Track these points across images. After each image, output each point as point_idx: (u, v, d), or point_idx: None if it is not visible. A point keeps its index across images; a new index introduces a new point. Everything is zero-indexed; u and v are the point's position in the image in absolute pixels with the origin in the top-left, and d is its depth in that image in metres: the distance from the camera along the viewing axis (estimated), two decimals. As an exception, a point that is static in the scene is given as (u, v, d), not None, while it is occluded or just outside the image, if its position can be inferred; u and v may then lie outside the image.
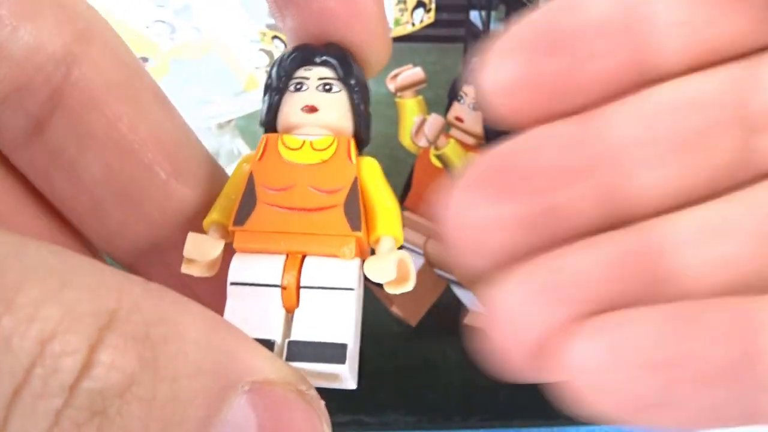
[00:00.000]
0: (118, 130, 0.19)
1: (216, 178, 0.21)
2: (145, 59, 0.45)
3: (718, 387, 0.18)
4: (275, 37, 0.48)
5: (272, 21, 0.48)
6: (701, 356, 0.18)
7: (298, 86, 0.20)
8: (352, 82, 0.20)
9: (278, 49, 0.48)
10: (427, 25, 0.57)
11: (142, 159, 0.20)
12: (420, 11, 0.55)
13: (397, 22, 0.55)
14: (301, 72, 0.20)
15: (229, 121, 0.53)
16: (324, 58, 0.20)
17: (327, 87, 0.20)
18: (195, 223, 0.20)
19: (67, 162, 0.19)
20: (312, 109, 0.20)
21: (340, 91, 0.20)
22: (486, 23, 0.65)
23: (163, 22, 0.47)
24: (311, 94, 0.20)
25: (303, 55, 0.20)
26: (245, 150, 0.54)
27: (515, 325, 0.19)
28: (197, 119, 0.46)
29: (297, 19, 0.20)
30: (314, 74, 0.20)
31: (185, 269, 0.19)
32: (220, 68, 0.47)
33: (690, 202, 0.20)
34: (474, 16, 0.65)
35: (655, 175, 0.20)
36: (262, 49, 0.48)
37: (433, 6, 0.56)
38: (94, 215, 0.20)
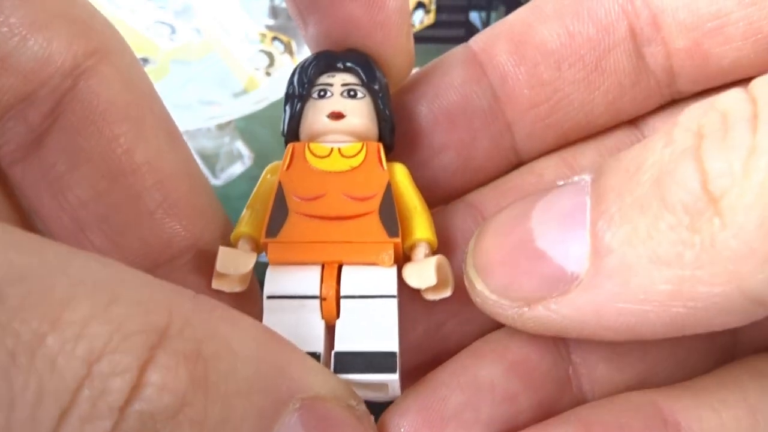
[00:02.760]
0: (111, 151, 0.19)
1: (216, 218, 0.21)
2: (145, 60, 0.45)
3: None
4: (275, 38, 0.48)
5: (272, 22, 0.48)
6: None
7: (322, 93, 0.20)
8: (376, 87, 0.20)
9: (278, 50, 0.48)
10: (427, 26, 0.57)
11: (132, 185, 0.19)
12: (420, 12, 0.55)
13: (397, 23, 0.55)
14: (324, 78, 0.20)
15: (229, 122, 0.53)
16: (347, 63, 0.20)
17: (351, 93, 0.20)
18: (180, 260, 0.19)
19: (56, 179, 0.19)
20: (338, 116, 0.19)
21: (364, 96, 0.20)
22: (486, 24, 0.64)
23: (164, 23, 0.47)
24: (336, 101, 0.20)
25: (326, 61, 0.20)
26: (245, 151, 0.54)
27: None
28: (197, 120, 0.46)
29: (320, 26, 0.20)
30: (338, 80, 0.20)
31: (216, 285, 0.19)
32: (220, 69, 0.47)
33: None
34: (474, 16, 0.65)
35: None
36: (262, 50, 0.48)
37: (433, 7, 0.56)
38: (74, 239, 0.19)
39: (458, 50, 0.22)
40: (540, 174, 0.21)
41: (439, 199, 0.21)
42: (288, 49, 0.48)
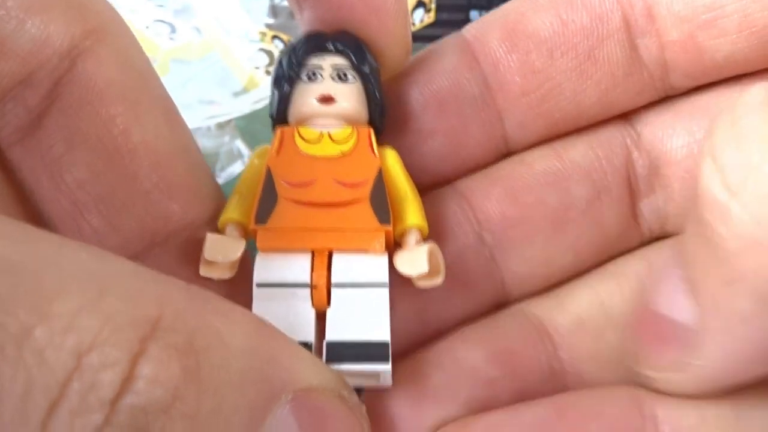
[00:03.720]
0: (108, 132, 0.18)
1: (213, 198, 0.20)
2: (145, 59, 0.45)
3: None
4: (275, 37, 0.48)
5: (272, 21, 0.48)
6: None
7: (312, 75, 0.19)
8: (367, 70, 0.19)
9: (278, 49, 0.48)
10: (427, 25, 0.57)
11: (129, 166, 0.19)
12: (420, 11, 0.55)
13: (397, 22, 0.55)
14: (314, 60, 0.19)
15: (229, 121, 0.53)
16: (338, 45, 0.19)
17: (342, 76, 0.19)
18: (175, 241, 0.19)
19: (53, 160, 0.19)
20: (328, 99, 0.19)
21: (355, 80, 0.19)
22: (486, 23, 0.64)
23: (163, 22, 0.46)
24: (326, 84, 0.19)
25: (315, 42, 0.19)
26: (245, 150, 0.54)
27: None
28: (197, 119, 0.46)
29: (314, 11, 0.19)
30: (328, 63, 0.19)
31: (204, 272, 0.18)
32: (220, 68, 0.47)
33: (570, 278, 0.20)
34: (474, 16, 0.65)
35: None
36: (262, 49, 0.48)
37: (433, 6, 0.56)
38: (72, 220, 0.19)
39: (451, 38, 0.22)
40: (530, 164, 0.21)
41: (427, 185, 0.21)
42: (288, 48, 0.48)
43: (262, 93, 0.47)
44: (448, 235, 0.20)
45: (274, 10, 0.48)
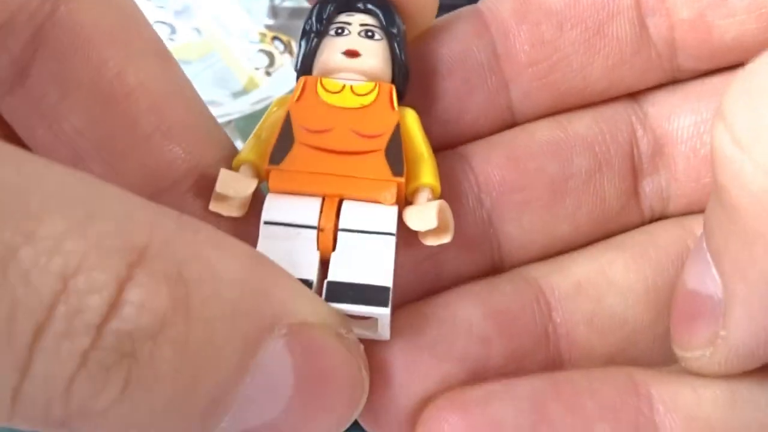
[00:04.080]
0: (102, 76, 0.18)
1: (217, 139, 0.20)
2: (145, 60, 0.45)
3: None
4: (275, 37, 0.48)
5: (272, 22, 0.48)
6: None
7: (340, 31, 0.20)
8: (394, 31, 0.20)
9: (278, 50, 0.48)
10: (427, 26, 0.57)
11: (126, 109, 0.18)
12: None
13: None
14: (343, 17, 0.20)
15: (229, 122, 0.53)
16: (367, 5, 0.20)
17: (369, 33, 0.20)
18: (183, 184, 0.19)
19: (48, 109, 0.18)
20: (354, 54, 0.19)
21: (381, 39, 0.20)
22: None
23: (163, 23, 0.47)
24: (353, 39, 0.20)
25: (346, 0, 0.20)
26: (245, 151, 0.54)
27: (397, 383, 0.18)
28: (197, 120, 0.46)
29: None
30: (356, 20, 0.20)
31: (214, 207, 0.18)
32: (220, 69, 0.47)
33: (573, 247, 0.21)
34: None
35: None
36: (262, 50, 0.48)
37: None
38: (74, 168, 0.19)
39: (465, 8, 0.22)
40: (533, 132, 0.21)
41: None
42: (288, 49, 0.48)
43: (262, 93, 0.47)
44: (447, 194, 0.20)
45: (274, 11, 0.48)
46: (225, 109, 0.48)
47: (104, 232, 0.12)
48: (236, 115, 0.50)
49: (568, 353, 0.20)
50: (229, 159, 0.19)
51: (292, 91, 0.19)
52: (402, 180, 0.18)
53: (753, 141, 0.14)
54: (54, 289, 0.11)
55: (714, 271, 0.16)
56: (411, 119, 0.20)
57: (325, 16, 0.20)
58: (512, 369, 0.19)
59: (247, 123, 0.55)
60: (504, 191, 0.21)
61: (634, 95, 0.22)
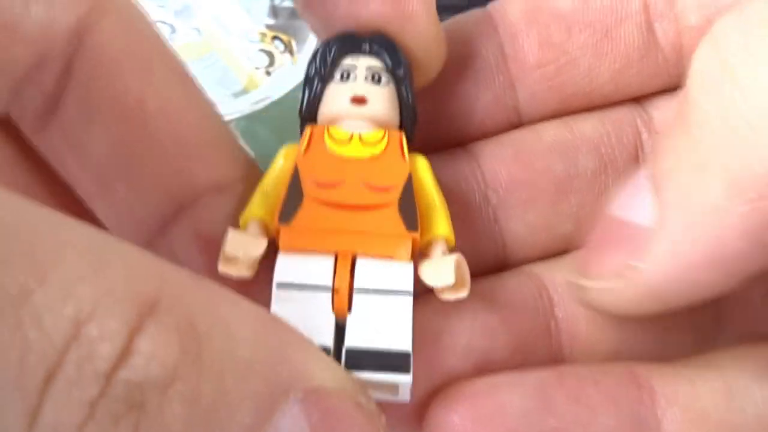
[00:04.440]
0: (124, 103, 0.18)
1: (237, 156, 0.20)
2: (145, 60, 0.45)
3: None
4: (276, 37, 0.48)
5: (272, 21, 0.48)
6: (588, 424, 0.17)
7: (345, 76, 0.19)
8: (401, 73, 0.19)
9: (278, 50, 0.48)
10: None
11: (148, 134, 0.19)
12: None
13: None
14: (348, 60, 0.19)
15: (229, 122, 0.53)
16: (373, 46, 0.19)
17: (376, 78, 0.19)
18: (205, 200, 0.19)
19: (76, 138, 0.18)
20: (361, 101, 0.19)
21: (388, 82, 0.19)
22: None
23: (163, 22, 0.46)
24: (360, 85, 0.19)
25: (351, 42, 0.19)
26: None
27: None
28: (197, 120, 0.46)
29: (345, 27, 0.19)
30: (362, 64, 0.19)
31: (223, 269, 0.18)
32: (220, 69, 0.47)
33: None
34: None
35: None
36: (262, 50, 0.47)
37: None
38: (102, 195, 0.19)
39: (475, 10, 0.22)
40: (539, 133, 0.21)
41: (433, 149, 0.21)
42: (288, 49, 0.48)
43: (262, 93, 0.47)
44: (453, 190, 0.20)
45: (274, 11, 0.48)
46: (225, 109, 0.48)
47: (116, 280, 0.12)
48: (236, 115, 0.49)
49: (569, 348, 0.20)
50: (251, 177, 0.19)
51: (298, 142, 0.19)
52: (417, 235, 0.18)
53: (741, 65, 0.14)
54: (67, 335, 0.11)
55: (650, 197, 0.16)
56: (422, 167, 0.19)
57: (329, 60, 0.19)
58: (516, 362, 0.19)
59: (247, 123, 0.55)
60: (511, 188, 0.21)
61: (639, 99, 0.22)
